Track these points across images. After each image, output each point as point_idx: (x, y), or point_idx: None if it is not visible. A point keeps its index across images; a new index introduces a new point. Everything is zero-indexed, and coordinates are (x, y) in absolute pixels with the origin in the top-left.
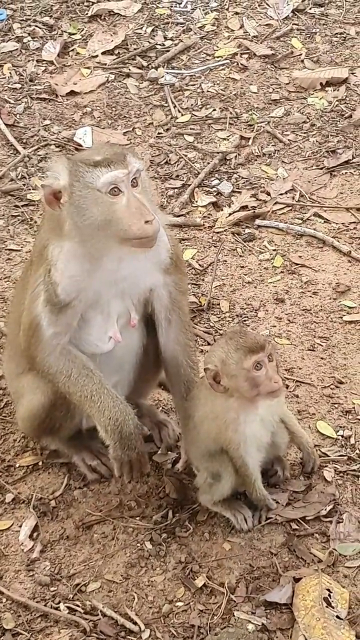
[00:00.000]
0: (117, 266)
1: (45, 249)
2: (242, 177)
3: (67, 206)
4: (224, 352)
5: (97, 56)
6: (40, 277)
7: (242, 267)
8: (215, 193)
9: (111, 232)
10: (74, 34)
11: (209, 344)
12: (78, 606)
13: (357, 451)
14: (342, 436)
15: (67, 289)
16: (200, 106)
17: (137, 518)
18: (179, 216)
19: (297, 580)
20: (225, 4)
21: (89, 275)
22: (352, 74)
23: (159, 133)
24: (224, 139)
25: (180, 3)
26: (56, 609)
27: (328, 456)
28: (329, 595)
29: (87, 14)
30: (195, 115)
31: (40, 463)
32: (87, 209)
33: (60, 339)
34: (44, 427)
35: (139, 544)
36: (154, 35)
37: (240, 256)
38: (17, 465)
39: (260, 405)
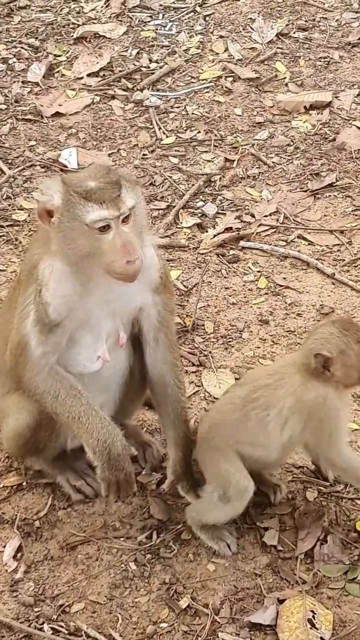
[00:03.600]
0: (109, 288)
1: (35, 268)
2: (227, 199)
3: (56, 230)
4: (343, 343)
5: (82, 78)
6: (30, 296)
7: (227, 288)
8: (199, 214)
9: (95, 263)
10: (59, 56)
11: (193, 364)
12: (62, 627)
13: None
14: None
15: (58, 308)
16: (185, 128)
17: (122, 539)
18: (163, 237)
19: (281, 601)
20: (210, 28)
21: (81, 296)
22: (336, 97)
23: (143, 155)
24: (209, 161)
25: (166, 26)
26: (40, 629)
27: (315, 477)
28: (313, 616)
29: (72, 36)
30: (180, 137)
31: (24, 483)
32: (73, 239)
33: (48, 358)
34: (29, 447)
35: (123, 565)
36: (139, 58)
37: (225, 277)
38: (1, 486)
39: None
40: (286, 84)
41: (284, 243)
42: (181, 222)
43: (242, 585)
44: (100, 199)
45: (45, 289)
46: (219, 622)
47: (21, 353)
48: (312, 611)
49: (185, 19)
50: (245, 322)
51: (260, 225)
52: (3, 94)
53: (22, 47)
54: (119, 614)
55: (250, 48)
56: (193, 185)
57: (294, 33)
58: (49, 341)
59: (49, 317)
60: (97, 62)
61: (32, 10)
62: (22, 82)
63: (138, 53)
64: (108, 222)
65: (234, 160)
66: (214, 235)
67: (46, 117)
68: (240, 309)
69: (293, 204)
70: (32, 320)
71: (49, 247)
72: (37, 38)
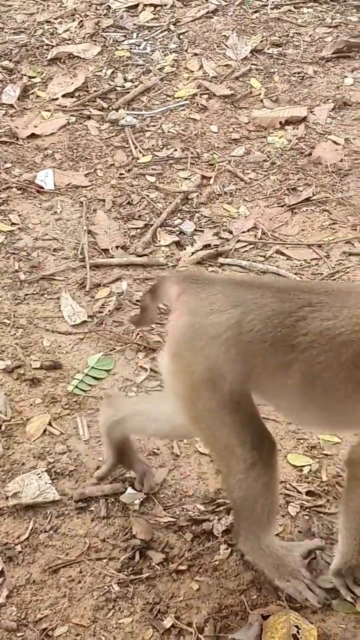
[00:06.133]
0: None
1: None
2: (204, 216)
3: None
4: None
5: (57, 99)
6: None
7: None
8: (177, 232)
9: None
10: (33, 77)
11: None
12: None
13: (326, 487)
14: (309, 471)
15: None
16: (161, 147)
17: (104, 560)
18: (141, 256)
19: (265, 617)
20: (184, 46)
21: None
22: (311, 112)
23: (120, 174)
24: (186, 178)
25: (140, 45)
26: None
27: (298, 491)
28: (298, 631)
29: (46, 57)
30: (156, 156)
31: (4, 507)
32: None
33: None
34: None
35: (106, 586)
36: (113, 78)
37: None
38: None
39: None
40: (261, 100)
41: (263, 259)
42: (159, 241)
43: (226, 602)
44: None
45: None
46: None
47: None
48: (297, 626)
49: (160, 38)
50: None
51: (238, 241)
52: None
53: None
54: (103, 635)
55: (225, 65)
56: (170, 203)
57: (268, 49)
58: None
59: None
60: (72, 83)
61: (5, 32)
62: None
63: (113, 73)
64: None
65: (210, 178)
66: (193, 253)
67: (22, 138)
68: None
69: (270, 219)
70: None
71: None
72: (11, 60)
